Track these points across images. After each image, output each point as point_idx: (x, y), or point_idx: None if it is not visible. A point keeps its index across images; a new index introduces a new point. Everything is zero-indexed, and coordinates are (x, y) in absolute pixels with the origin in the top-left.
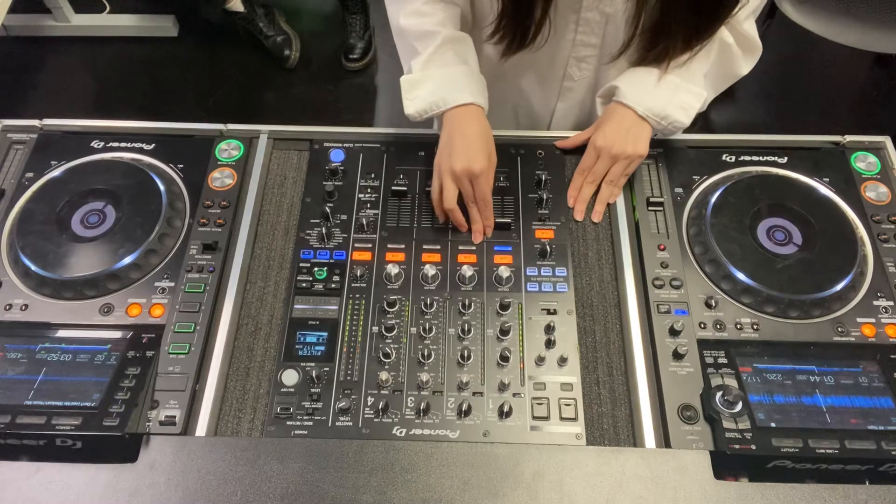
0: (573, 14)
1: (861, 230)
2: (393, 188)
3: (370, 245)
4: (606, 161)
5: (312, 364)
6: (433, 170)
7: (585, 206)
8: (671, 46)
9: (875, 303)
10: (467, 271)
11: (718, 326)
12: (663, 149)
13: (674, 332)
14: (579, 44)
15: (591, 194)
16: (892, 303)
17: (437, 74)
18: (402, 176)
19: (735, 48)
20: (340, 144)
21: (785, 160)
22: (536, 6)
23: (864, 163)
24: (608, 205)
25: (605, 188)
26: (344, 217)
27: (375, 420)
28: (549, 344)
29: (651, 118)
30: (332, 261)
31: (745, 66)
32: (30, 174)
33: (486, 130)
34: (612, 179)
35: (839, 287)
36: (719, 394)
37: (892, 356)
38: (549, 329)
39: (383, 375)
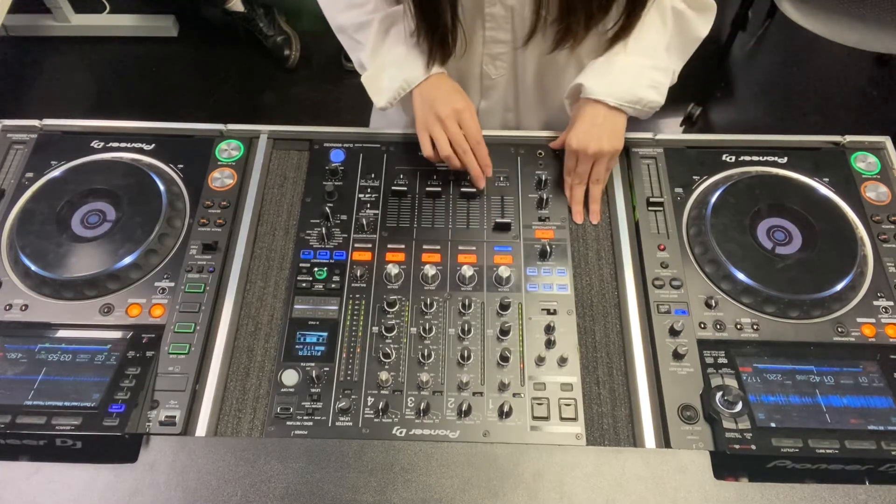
0: (478, 12)
1: (861, 230)
2: (393, 188)
3: (370, 245)
4: (586, 162)
5: (312, 364)
6: (418, 133)
7: (583, 207)
8: (575, 24)
9: (875, 303)
10: (467, 271)
11: (718, 326)
12: (663, 149)
13: (674, 332)
14: (490, 40)
15: (583, 194)
16: (892, 303)
17: (387, 61)
18: (402, 176)
19: (688, 12)
20: (340, 144)
21: (785, 160)
22: (444, 10)
23: (864, 163)
24: (608, 205)
25: (593, 188)
26: (344, 217)
27: (375, 420)
28: (549, 344)
29: (624, 106)
30: (332, 261)
31: (703, 26)
32: (30, 174)
33: (455, 87)
34: (597, 178)
35: (839, 287)
36: (719, 394)
37: (892, 356)
38: (549, 329)
39: (383, 375)
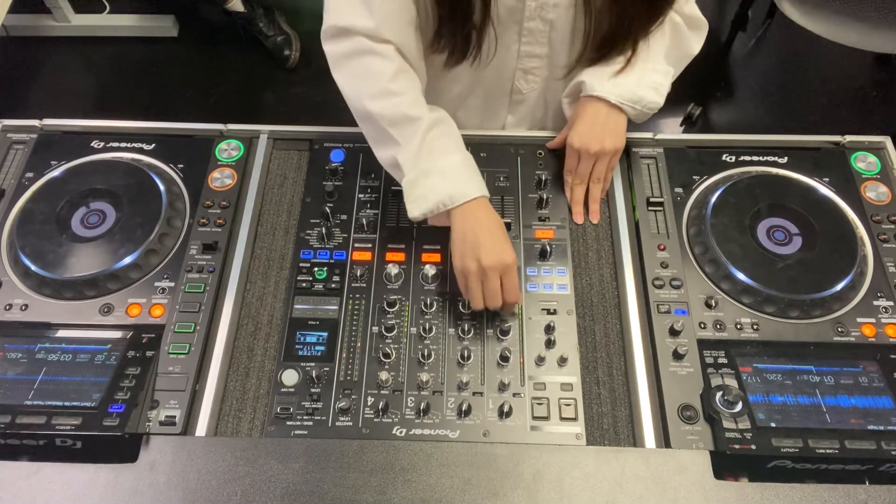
0: (515, 24)
1: (861, 230)
2: (393, 188)
3: (370, 245)
4: (588, 161)
5: (312, 364)
6: (454, 268)
7: (583, 208)
8: (616, 50)
9: (875, 303)
10: None
11: (718, 326)
12: (663, 149)
13: (674, 332)
14: (524, 55)
15: (584, 194)
16: (892, 303)
17: (434, 168)
18: None
19: (684, 27)
20: (340, 144)
21: (785, 160)
22: (474, 10)
23: (864, 163)
24: (608, 205)
25: (593, 187)
26: (344, 217)
27: (375, 420)
28: (549, 344)
29: (625, 105)
30: (332, 261)
31: (696, 44)
32: (30, 174)
33: (501, 222)
34: (598, 177)
35: (839, 287)
36: (719, 394)
37: (892, 356)
38: (549, 329)
39: (383, 375)
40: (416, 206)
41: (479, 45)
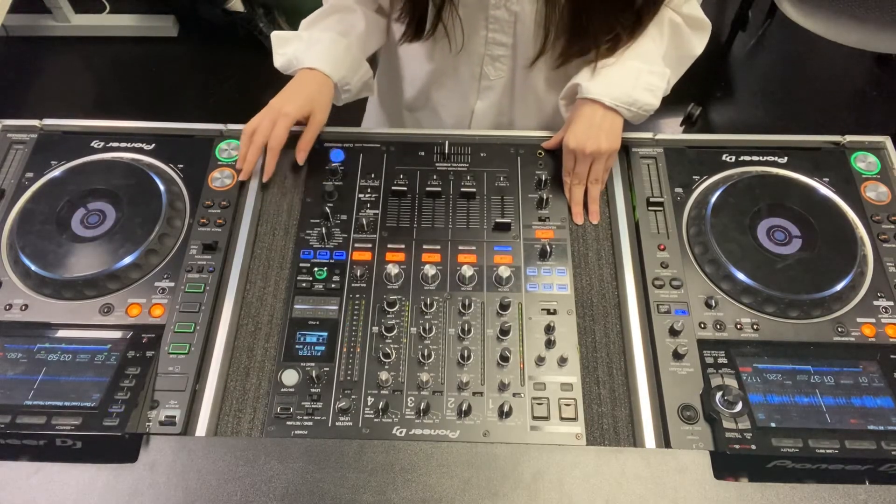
0: (482, 11)
1: (861, 230)
2: (393, 188)
3: (370, 245)
4: (584, 162)
5: (312, 364)
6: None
7: (582, 208)
8: (591, 45)
9: (875, 303)
10: (467, 271)
11: (718, 326)
12: (663, 149)
13: (674, 332)
14: (492, 42)
15: (583, 195)
16: (892, 303)
17: (305, 36)
18: (402, 176)
19: (685, 28)
20: (340, 144)
21: (785, 160)
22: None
23: (864, 163)
24: (608, 205)
25: (592, 188)
26: (344, 217)
27: (375, 420)
28: (549, 344)
29: (620, 107)
30: (332, 261)
31: (698, 44)
32: (30, 174)
33: (321, 91)
34: (596, 178)
35: (839, 287)
36: (719, 394)
37: (892, 356)
38: (549, 329)
39: (383, 375)
40: (278, 59)
41: (438, 23)
